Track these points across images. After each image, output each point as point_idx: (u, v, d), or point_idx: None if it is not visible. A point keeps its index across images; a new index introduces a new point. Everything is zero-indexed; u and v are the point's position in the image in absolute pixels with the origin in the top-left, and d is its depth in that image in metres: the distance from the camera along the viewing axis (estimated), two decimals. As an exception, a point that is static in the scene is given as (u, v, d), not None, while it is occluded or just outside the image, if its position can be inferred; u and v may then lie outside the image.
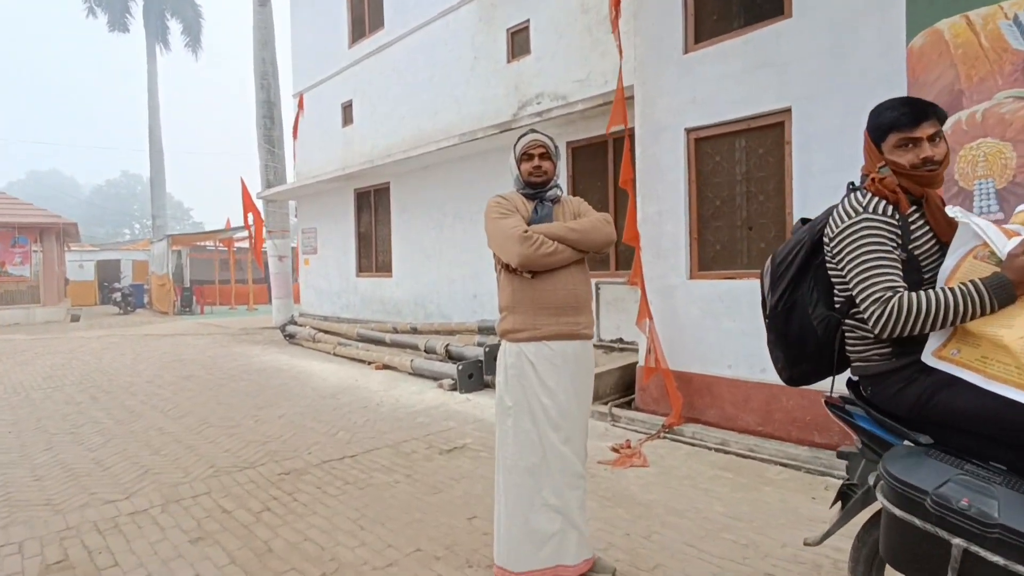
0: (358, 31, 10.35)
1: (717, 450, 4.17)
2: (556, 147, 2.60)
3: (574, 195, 6.74)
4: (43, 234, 16.43)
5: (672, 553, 2.76)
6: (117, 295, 19.29)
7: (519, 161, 2.54)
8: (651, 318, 4.70)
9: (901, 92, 3.63)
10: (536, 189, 2.53)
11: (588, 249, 2.47)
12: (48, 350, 10.61)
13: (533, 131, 2.59)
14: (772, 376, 4.21)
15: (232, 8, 32.12)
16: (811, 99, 4.01)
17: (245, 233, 18.57)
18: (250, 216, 12.54)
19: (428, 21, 8.69)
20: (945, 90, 3.50)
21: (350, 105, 10.62)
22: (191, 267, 23.33)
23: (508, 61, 7.51)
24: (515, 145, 2.58)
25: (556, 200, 2.57)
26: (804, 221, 2.06)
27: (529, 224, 2.45)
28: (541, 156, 2.50)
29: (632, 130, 5.12)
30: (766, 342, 2.13)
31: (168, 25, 28.02)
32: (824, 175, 3.96)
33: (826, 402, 2.04)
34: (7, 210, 16.17)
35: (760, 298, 2.10)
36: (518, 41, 7.42)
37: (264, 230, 13.00)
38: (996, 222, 1.69)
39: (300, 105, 12.08)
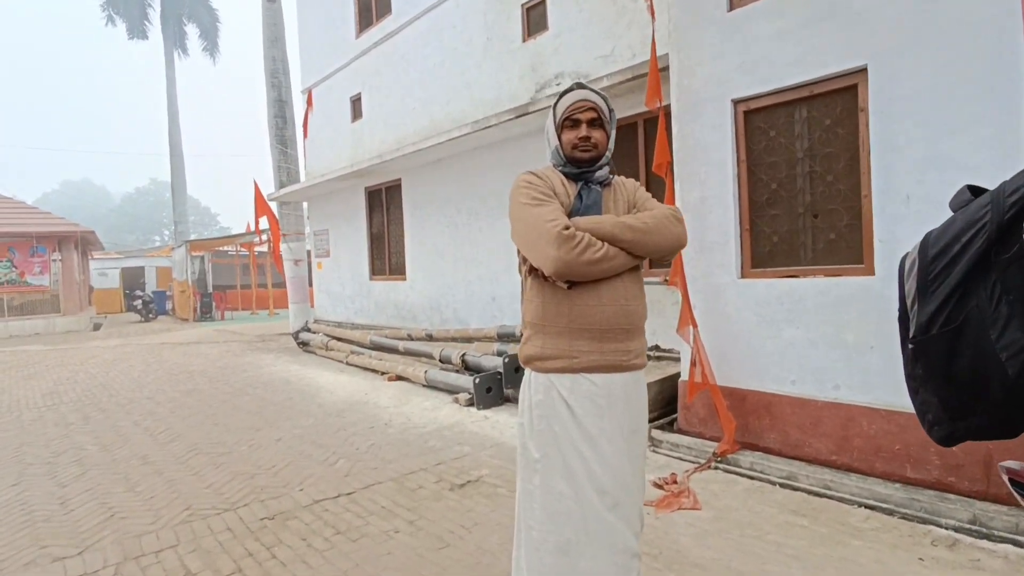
0: (365, 19, 9.78)
1: (783, 485, 3.45)
2: (611, 110, 1.90)
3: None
4: (62, 243, 16.31)
5: (747, 650, 2.08)
6: (138, 302, 19.17)
7: (560, 129, 1.87)
8: (695, 325, 3.98)
9: (1015, 37, 2.86)
10: (582, 167, 1.86)
11: (649, 254, 1.80)
12: (60, 362, 10.32)
13: (580, 85, 1.89)
14: (847, 394, 3.48)
15: (246, 7, 32.09)
16: (894, 54, 3.25)
17: (263, 237, 18.32)
18: (263, 220, 12.10)
19: (436, 3, 8.05)
20: (1080, 30, 2.72)
21: (359, 99, 10.07)
22: (213, 272, 23.19)
23: (523, 40, 6.83)
24: (555, 106, 1.90)
25: (607, 183, 1.90)
26: (974, 190, 1.34)
27: (570, 215, 1.79)
28: (591, 123, 1.83)
29: (667, 107, 4.41)
30: (905, 377, 1.43)
31: (185, 30, 27.97)
32: (913, 146, 3.19)
33: (1010, 479, 1.33)
34: (25, 219, 16.09)
35: (900, 310, 1.41)
36: (534, 17, 6.73)
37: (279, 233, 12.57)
38: None
39: (309, 101, 11.59)
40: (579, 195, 1.85)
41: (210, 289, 21.08)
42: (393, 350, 8.05)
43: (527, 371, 1.89)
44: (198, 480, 4.04)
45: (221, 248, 22.83)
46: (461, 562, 2.76)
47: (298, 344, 10.89)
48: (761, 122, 3.93)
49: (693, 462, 3.86)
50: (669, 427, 4.38)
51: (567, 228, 1.68)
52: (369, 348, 8.59)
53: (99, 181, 70.11)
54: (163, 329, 16.32)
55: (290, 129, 13.81)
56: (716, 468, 3.74)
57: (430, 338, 7.72)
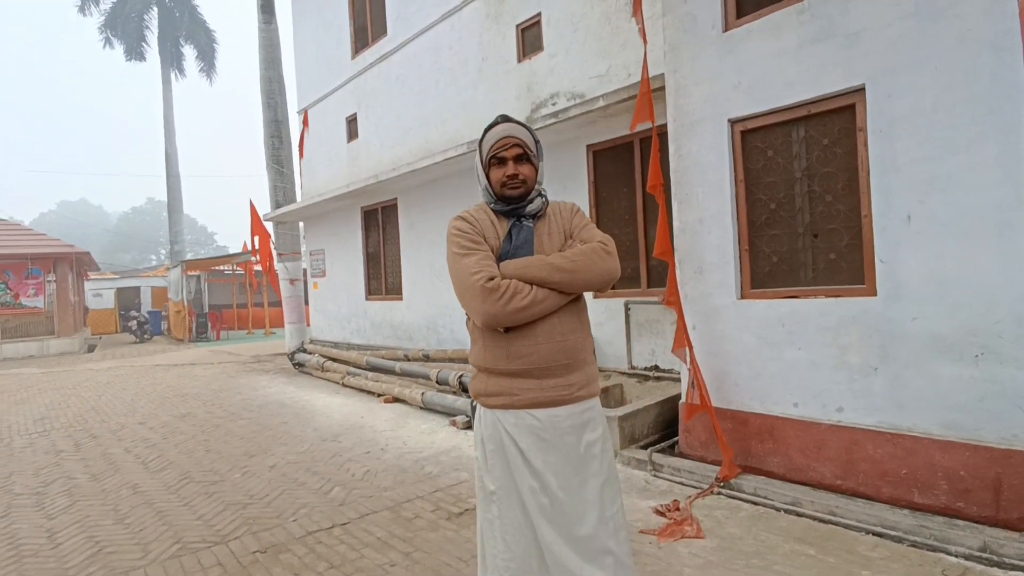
0: (361, 40, 9.82)
1: (788, 511, 3.36)
2: (538, 142, 1.87)
3: (596, 205, 6.04)
4: (57, 264, 16.22)
5: None
6: (133, 323, 19.03)
7: (487, 167, 1.83)
8: (690, 346, 3.93)
9: (1015, 57, 2.85)
10: (511, 204, 1.82)
11: (579, 292, 1.77)
12: (53, 385, 10.19)
13: (506, 119, 1.84)
14: (851, 416, 3.42)
15: (243, 28, 32.38)
16: (892, 74, 3.24)
17: (256, 257, 18.26)
18: (257, 239, 12.05)
19: (432, 24, 8.09)
20: (1077, 50, 2.71)
21: (355, 119, 10.08)
22: (209, 292, 23.08)
23: (519, 60, 6.85)
24: (480, 142, 1.85)
25: (540, 215, 1.86)
26: None
27: (499, 258, 1.77)
28: (517, 159, 1.79)
29: (661, 127, 4.40)
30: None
31: (183, 51, 28.17)
32: (914, 166, 3.17)
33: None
34: (20, 241, 16.01)
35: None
36: (529, 37, 6.76)
37: (274, 253, 12.51)
38: None
39: (305, 122, 11.60)
40: (509, 234, 1.82)
41: (206, 309, 20.96)
42: (390, 371, 7.96)
43: (478, 406, 1.87)
44: (189, 511, 3.94)
45: (217, 268, 22.75)
46: (459, 598, 2.67)
47: (294, 365, 10.78)
48: (759, 142, 3.91)
49: (695, 487, 3.77)
50: (670, 450, 4.30)
51: (491, 279, 1.68)
52: (365, 369, 8.49)
53: (96, 201, 70.22)
54: (158, 350, 16.16)
55: (286, 149, 13.82)
56: (719, 493, 3.66)
57: (427, 359, 7.64)
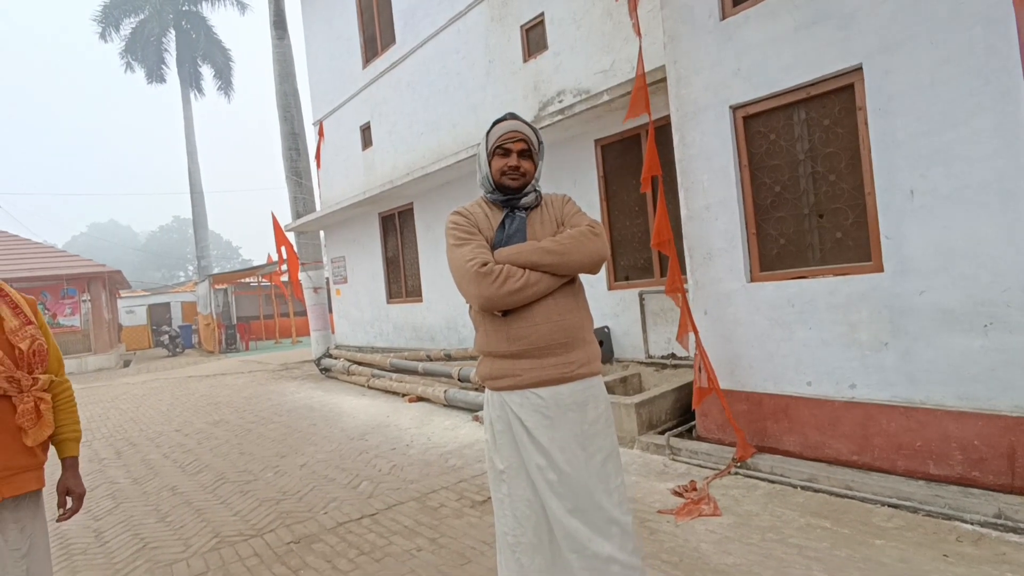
0: (371, 50, 10.03)
1: (804, 488, 3.41)
2: (541, 142, 1.98)
3: (607, 198, 6.13)
4: (91, 284, 16.79)
5: (769, 654, 2.07)
6: (165, 338, 19.59)
7: (491, 156, 1.94)
8: (696, 331, 3.99)
9: (1008, 28, 2.87)
10: (508, 195, 1.93)
11: (571, 273, 1.87)
12: (93, 399, 10.58)
13: (513, 116, 1.96)
14: (864, 392, 3.45)
15: (256, 45, 33.03)
16: (888, 51, 3.28)
17: (284, 267, 18.67)
18: (283, 250, 12.36)
19: (438, 30, 8.25)
20: (1071, 16, 2.72)
21: (368, 127, 10.29)
22: (236, 304, 23.64)
23: (524, 60, 6.96)
24: (487, 134, 1.95)
25: (533, 207, 1.97)
26: None
27: (493, 246, 1.87)
28: (521, 153, 1.90)
29: (659, 120, 4.47)
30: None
31: (200, 71, 28.89)
32: (913, 141, 3.20)
33: None
34: (55, 263, 16.62)
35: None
36: (533, 37, 6.86)
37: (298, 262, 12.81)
38: None
39: (320, 133, 11.86)
40: (503, 224, 1.91)
41: (234, 321, 21.48)
42: (413, 372, 8.13)
43: (486, 390, 1.97)
44: (225, 508, 4.12)
45: (243, 280, 23.29)
46: (482, 578, 2.79)
47: (320, 371, 11.04)
48: (761, 126, 3.96)
49: (713, 468, 3.84)
50: (688, 435, 4.36)
51: (484, 265, 1.78)
52: (389, 371, 8.68)
53: (124, 221, 72.19)
54: (190, 362, 16.63)
55: (304, 160, 14.15)
56: (736, 474, 3.72)
57: (449, 358, 7.78)
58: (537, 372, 1.83)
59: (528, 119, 6.74)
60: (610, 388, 5.21)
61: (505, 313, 1.84)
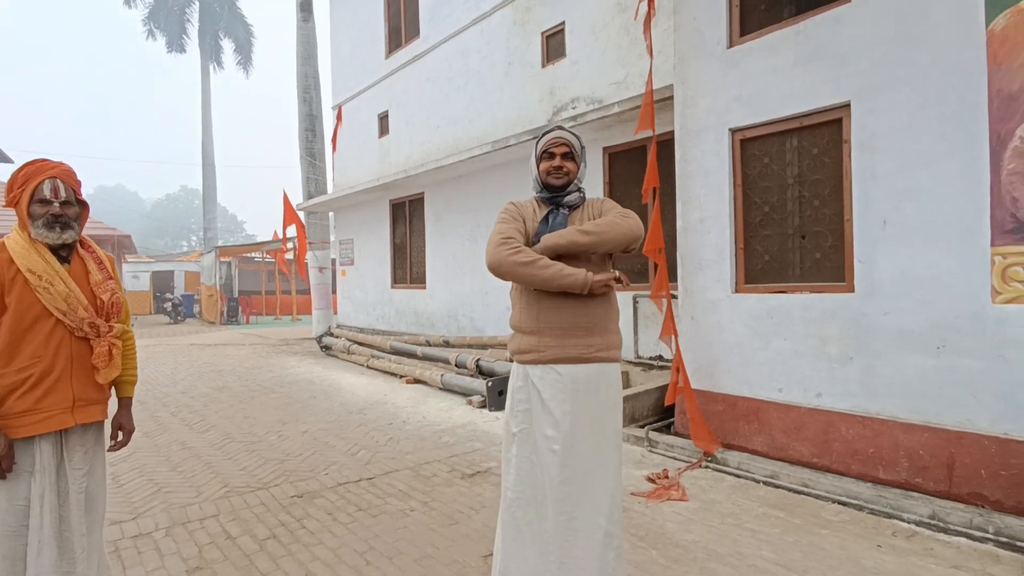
0: (395, 41, 10.32)
1: (766, 483, 3.74)
2: (583, 147, 2.29)
3: (610, 203, 6.45)
4: (100, 246, 17.07)
5: (712, 610, 2.39)
6: (168, 305, 19.90)
7: (539, 159, 2.26)
8: (676, 335, 4.31)
9: (980, 81, 3.19)
10: (554, 193, 2.23)
11: (610, 250, 2.15)
12: (97, 358, 10.88)
13: (560, 128, 2.29)
14: (829, 401, 3.79)
15: (280, 24, 33.21)
16: (873, 92, 3.59)
17: (290, 244, 18.98)
18: (291, 228, 12.67)
19: (462, 28, 8.54)
20: (1035, 76, 3.03)
21: (386, 116, 10.59)
22: (240, 278, 23.96)
23: (543, 65, 7.26)
24: (537, 141, 2.29)
25: (576, 206, 2.25)
26: None
27: (537, 235, 2.17)
28: (564, 156, 2.21)
29: (662, 135, 4.78)
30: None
31: (221, 44, 29.10)
32: (890, 176, 3.51)
33: None
34: (67, 223, 16.88)
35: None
36: (553, 44, 7.16)
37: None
38: None
39: (339, 117, 12.15)
40: (546, 218, 2.21)
41: (236, 294, 21.78)
42: (412, 355, 8.45)
43: (513, 362, 2.26)
44: (233, 464, 4.45)
45: (248, 255, 23.60)
46: (468, 537, 3.11)
47: (321, 348, 11.36)
48: (756, 150, 4.28)
49: (686, 461, 4.16)
50: (667, 430, 4.69)
51: (508, 239, 2.09)
52: (389, 353, 9.00)
53: (132, 187, 72.33)
54: (191, 331, 16.95)
55: (319, 143, 14.45)
56: (706, 467, 4.04)
57: (447, 344, 8.10)
58: (558, 350, 2.09)
59: (541, 123, 7.06)
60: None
61: (524, 297, 2.15)
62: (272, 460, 4.50)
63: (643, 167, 6.11)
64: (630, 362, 6.03)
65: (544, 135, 2.28)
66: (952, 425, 3.25)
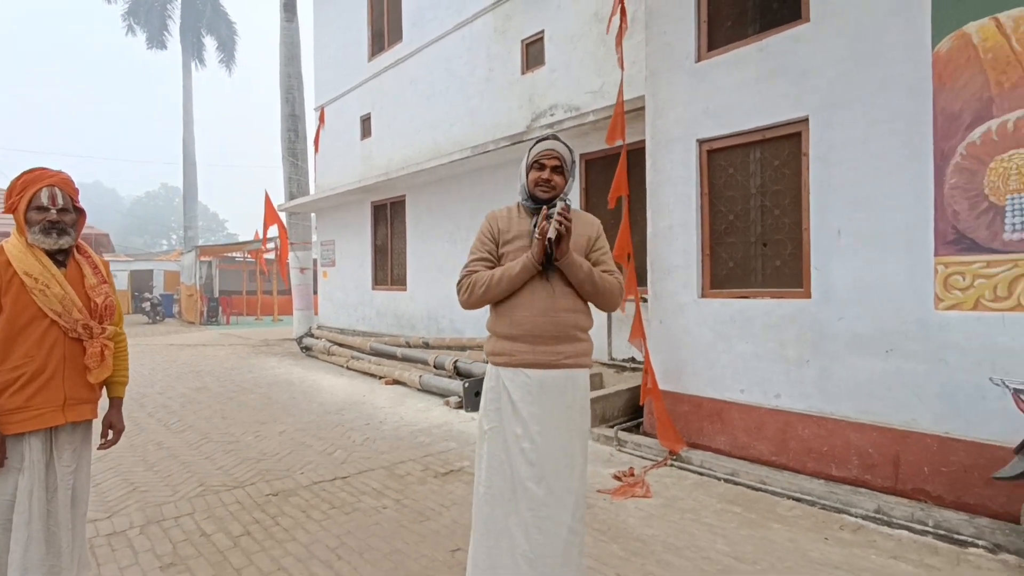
0: (378, 44, 10.40)
1: (727, 481, 3.90)
2: (574, 162, 2.33)
3: (587, 210, 6.59)
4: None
5: (665, 599, 2.53)
6: (146, 305, 19.70)
7: (529, 168, 2.30)
8: (644, 337, 4.47)
9: (926, 100, 3.38)
10: (538, 203, 2.28)
11: (589, 299, 2.25)
12: (73, 358, 10.78)
13: (554, 137, 2.32)
14: (787, 402, 3.96)
15: (264, 23, 33.02)
16: (830, 108, 3.77)
17: (270, 245, 18.91)
18: (272, 229, 12.65)
19: (444, 33, 8.66)
20: (974, 97, 3.23)
21: (369, 118, 10.66)
22: (220, 278, 23.77)
23: (522, 73, 7.40)
24: (530, 148, 2.31)
25: None
26: None
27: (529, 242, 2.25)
28: (554, 169, 2.25)
29: (634, 144, 4.93)
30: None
31: (203, 42, 28.87)
32: (844, 189, 3.70)
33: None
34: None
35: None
36: (532, 52, 7.30)
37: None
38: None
39: (321, 119, 12.19)
40: (535, 226, 2.28)
41: (217, 294, 21.62)
42: (391, 356, 8.52)
43: (488, 364, 2.37)
44: (209, 463, 4.50)
45: (228, 254, 23.43)
46: (438, 533, 3.22)
47: (301, 349, 11.36)
48: (722, 160, 4.45)
49: (653, 460, 4.31)
50: (636, 430, 4.84)
51: (466, 276, 2.24)
52: (369, 354, 9.06)
53: (110, 184, 71.22)
54: (170, 331, 16.81)
55: (301, 143, 14.45)
56: (671, 465, 4.20)
57: (427, 346, 8.19)
58: (529, 355, 2.18)
59: (520, 128, 7.20)
60: (572, 384, 5.68)
61: (501, 302, 2.24)
62: (249, 459, 4.56)
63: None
64: (604, 364, 6.18)
65: (538, 142, 2.30)
66: (899, 425, 3.44)
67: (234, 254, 23.10)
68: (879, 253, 3.54)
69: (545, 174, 2.25)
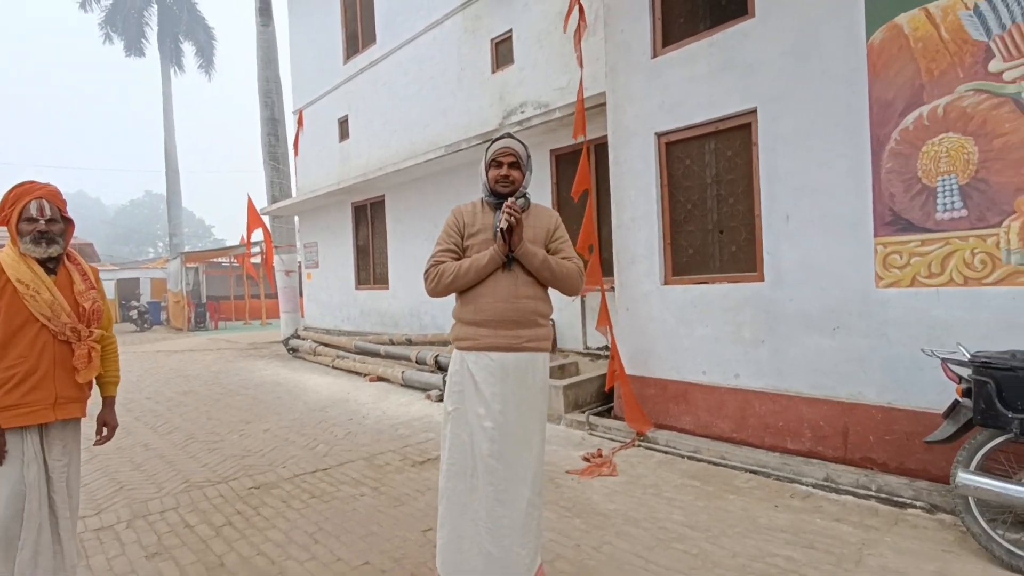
0: (352, 47, 10.49)
1: (690, 458, 4.09)
2: (529, 156, 2.51)
3: (558, 204, 6.76)
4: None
5: (619, 564, 2.71)
6: (134, 313, 19.69)
7: (488, 167, 2.48)
8: (610, 325, 4.66)
9: (862, 90, 3.57)
10: (500, 199, 2.44)
11: (551, 285, 2.44)
12: (60, 368, 10.82)
13: (509, 136, 2.50)
14: (746, 381, 4.16)
15: (242, 27, 32.86)
16: (776, 100, 3.95)
17: (256, 249, 18.93)
18: (256, 233, 12.70)
19: (416, 35, 8.77)
20: (906, 85, 3.42)
21: (346, 120, 10.75)
22: (207, 284, 23.74)
23: (493, 72, 7.54)
24: (487, 148, 2.50)
25: (523, 210, 2.47)
26: None
27: (494, 235, 2.39)
28: (511, 165, 2.43)
29: (601, 138, 5.10)
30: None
31: (182, 48, 28.72)
32: (791, 176, 3.88)
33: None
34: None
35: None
36: (502, 51, 7.45)
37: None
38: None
39: (300, 122, 12.26)
40: (498, 220, 2.42)
41: (204, 300, 21.62)
42: (375, 354, 8.66)
43: (454, 349, 2.53)
44: (194, 461, 4.64)
45: (215, 260, 23.41)
46: (412, 516, 3.38)
47: (288, 350, 11.48)
48: (679, 152, 4.62)
49: (622, 442, 4.49)
50: (607, 414, 5.02)
51: (434, 266, 2.39)
52: (354, 353, 9.20)
53: (93, 193, 70.50)
54: (158, 338, 16.84)
55: (282, 147, 14.52)
56: (639, 446, 4.38)
57: (409, 342, 8.34)
58: (491, 339, 2.35)
59: (493, 126, 7.35)
60: (550, 373, 5.85)
61: (466, 291, 2.40)
62: (233, 457, 4.70)
63: (587, 169, 6.43)
64: (579, 353, 6.36)
65: (493, 142, 2.49)
66: (846, 398, 3.64)
67: (220, 259, 23.08)
68: (824, 236, 3.73)
69: (503, 171, 2.43)
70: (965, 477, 2.55)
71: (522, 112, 7.07)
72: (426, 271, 2.42)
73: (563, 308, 6.61)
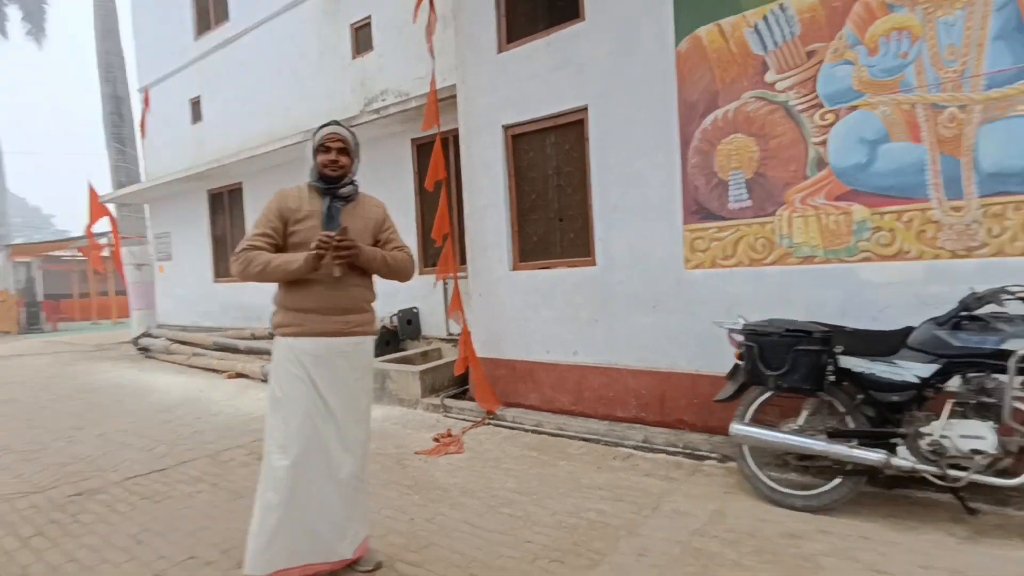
0: (203, 23, 9.79)
1: (533, 432, 4.37)
2: (357, 143, 2.57)
3: (419, 193, 6.81)
4: None
5: (448, 532, 2.87)
6: (-56, 315, 17.03)
7: (316, 152, 2.49)
8: (462, 310, 4.85)
9: (673, 91, 3.98)
10: (330, 183, 2.48)
11: (386, 278, 2.55)
12: None
13: (335, 123, 2.55)
14: (583, 358, 4.50)
15: (83, -6, 29.30)
16: (604, 97, 4.29)
17: (103, 240, 17.07)
18: (104, 222, 11.49)
19: (273, 14, 8.38)
20: (705, 90, 3.87)
21: (199, 101, 10.03)
22: (45, 280, 21.07)
23: (353, 57, 7.41)
24: (314, 135, 2.52)
25: (351, 198, 2.53)
26: None
27: (325, 227, 2.41)
28: (339, 151, 2.46)
29: (448, 132, 5.22)
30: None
31: (6, 11, 24.99)
32: (618, 167, 4.25)
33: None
34: None
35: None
36: (361, 37, 7.33)
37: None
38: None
39: (146, 101, 11.24)
40: (328, 211, 2.48)
41: (39, 298, 19.17)
42: (235, 350, 8.24)
43: (275, 336, 2.53)
44: (6, 473, 4.19)
45: (53, 253, 20.81)
46: (249, 508, 3.31)
47: (139, 350, 10.55)
48: (524, 144, 4.86)
49: (473, 421, 4.69)
50: (462, 396, 5.20)
51: (244, 249, 2.38)
52: (212, 349, 8.67)
53: None
54: (-22, 343, 14.72)
55: (128, 127, 13.23)
56: (489, 424, 4.60)
57: (272, 336, 8.01)
58: (321, 325, 2.39)
59: (355, 112, 7.23)
60: (412, 360, 5.94)
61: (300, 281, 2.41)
62: (54, 465, 4.31)
63: (447, 158, 6.54)
64: (442, 340, 6.49)
65: (321, 128, 2.52)
66: (664, 368, 4.07)
67: (59, 252, 20.56)
68: (645, 223, 4.13)
69: (332, 155, 2.46)
70: (736, 428, 3.00)
71: (383, 100, 7.03)
72: (236, 252, 2.40)
73: (427, 296, 6.70)
